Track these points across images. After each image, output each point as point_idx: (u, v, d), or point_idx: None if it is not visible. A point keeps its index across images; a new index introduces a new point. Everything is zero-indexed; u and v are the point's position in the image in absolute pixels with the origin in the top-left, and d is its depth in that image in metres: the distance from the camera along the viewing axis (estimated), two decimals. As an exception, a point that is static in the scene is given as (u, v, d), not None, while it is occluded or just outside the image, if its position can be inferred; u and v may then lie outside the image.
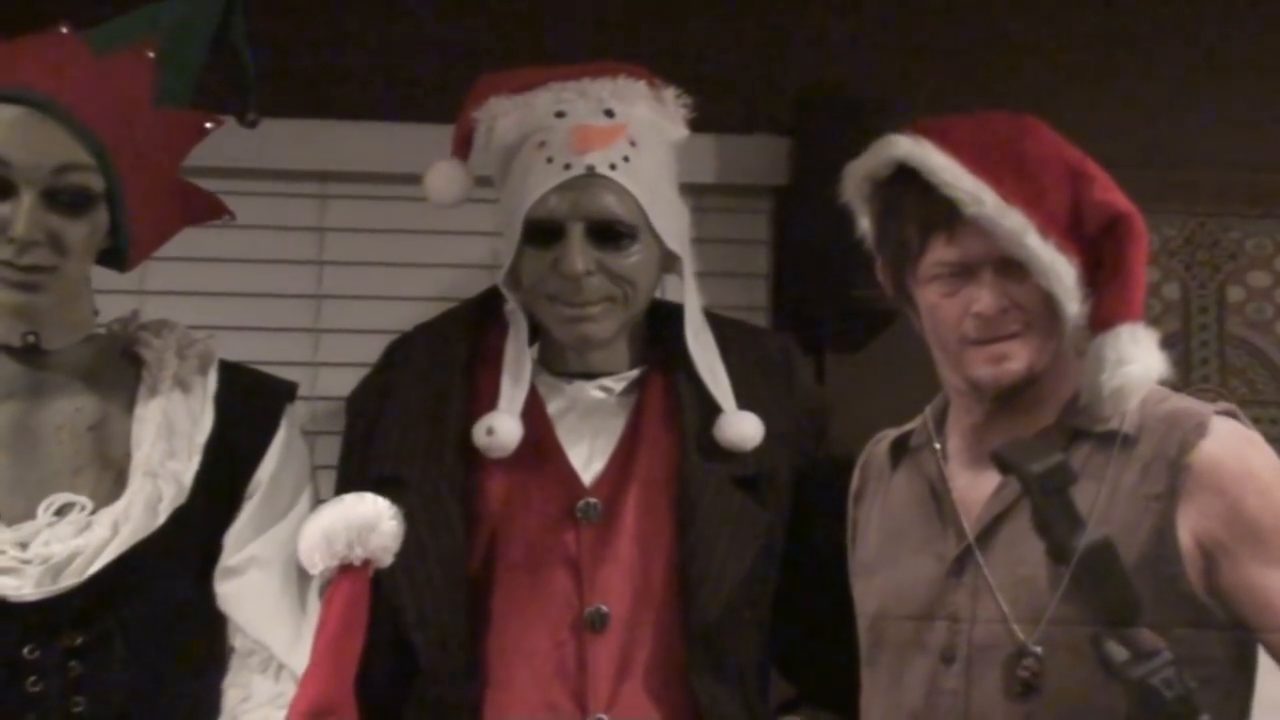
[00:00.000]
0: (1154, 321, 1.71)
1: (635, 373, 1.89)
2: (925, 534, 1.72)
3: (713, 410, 1.84)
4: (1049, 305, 1.64)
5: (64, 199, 1.60)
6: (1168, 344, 1.70)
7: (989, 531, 1.66)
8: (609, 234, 1.78)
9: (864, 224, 1.78)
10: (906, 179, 1.69)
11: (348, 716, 1.45)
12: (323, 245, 2.46)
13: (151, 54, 1.64)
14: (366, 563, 1.50)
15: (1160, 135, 2.53)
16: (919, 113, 1.78)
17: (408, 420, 1.83)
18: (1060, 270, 1.63)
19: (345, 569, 1.48)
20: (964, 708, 1.63)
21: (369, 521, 1.50)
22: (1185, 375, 2.49)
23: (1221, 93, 2.57)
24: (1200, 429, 1.61)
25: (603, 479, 1.83)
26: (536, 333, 1.89)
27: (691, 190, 2.12)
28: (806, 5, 2.50)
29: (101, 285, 1.77)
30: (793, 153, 2.44)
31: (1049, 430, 1.67)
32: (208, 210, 1.77)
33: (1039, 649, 1.59)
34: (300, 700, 1.46)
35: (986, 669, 1.62)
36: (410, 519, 1.70)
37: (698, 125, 1.91)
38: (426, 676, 1.78)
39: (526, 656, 1.77)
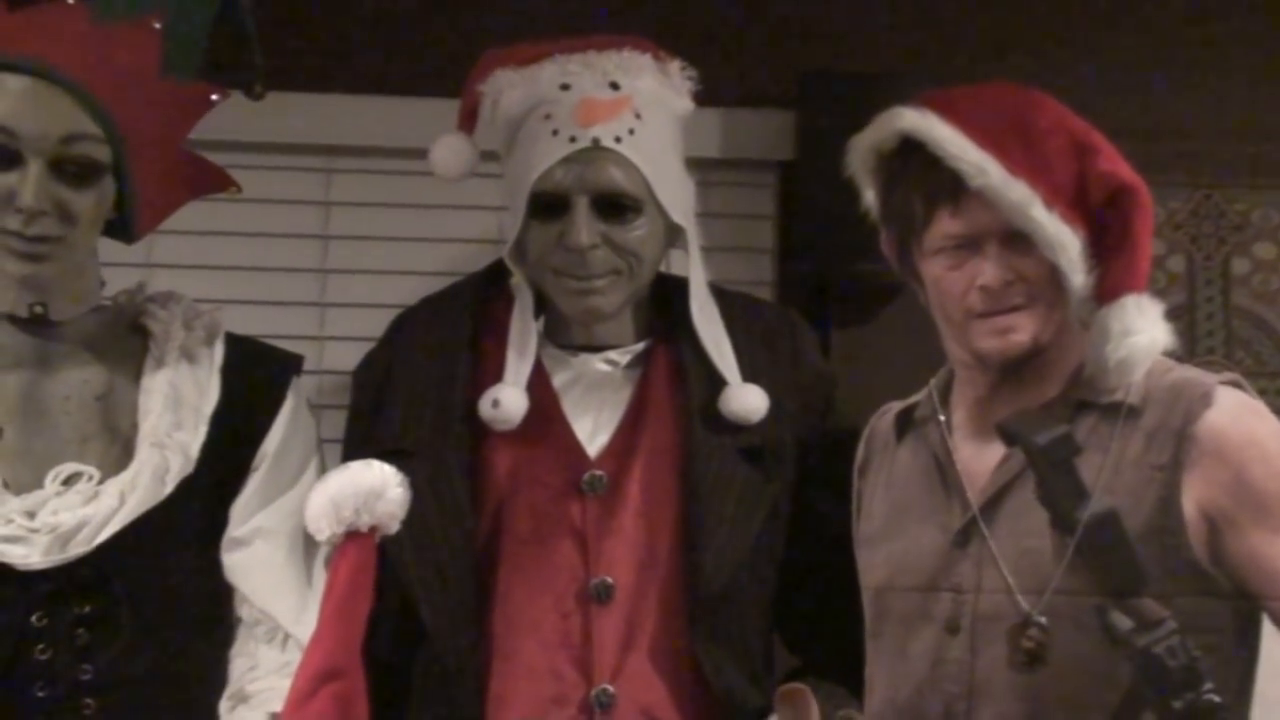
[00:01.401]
0: (1159, 294, 1.70)
1: (640, 346, 1.89)
2: (930, 506, 1.73)
3: (718, 383, 1.84)
4: (1054, 277, 1.64)
5: (71, 169, 1.60)
6: (1173, 316, 1.69)
7: (994, 503, 1.67)
8: (614, 207, 1.78)
9: (869, 197, 1.77)
10: (911, 151, 1.68)
11: (354, 680, 1.45)
12: (329, 219, 2.46)
13: (157, 24, 1.64)
14: (373, 529, 1.50)
15: (1166, 107, 2.52)
16: (924, 86, 1.78)
17: (413, 393, 1.83)
18: (1065, 242, 1.63)
19: (352, 535, 1.49)
20: (969, 678, 1.64)
21: (376, 488, 1.51)
22: (1191, 348, 2.48)
23: (1227, 64, 2.55)
24: (1205, 399, 1.61)
25: (608, 451, 1.83)
26: (542, 306, 1.89)
27: (697, 164, 2.12)
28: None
29: (109, 257, 1.77)
30: (798, 127, 2.43)
31: (1054, 402, 1.67)
32: (214, 182, 1.76)
33: (1044, 619, 1.59)
34: (307, 663, 1.47)
35: (991, 640, 1.63)
36: (416, 491, 1.70)
37: (703, 99, 1.91)
38: (433, 647, 1.79)
39: (532, 627, 1.78)
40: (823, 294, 2.44)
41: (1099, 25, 2.54)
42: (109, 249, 1.76)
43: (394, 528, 1.53)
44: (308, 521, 1.52)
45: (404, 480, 1.54)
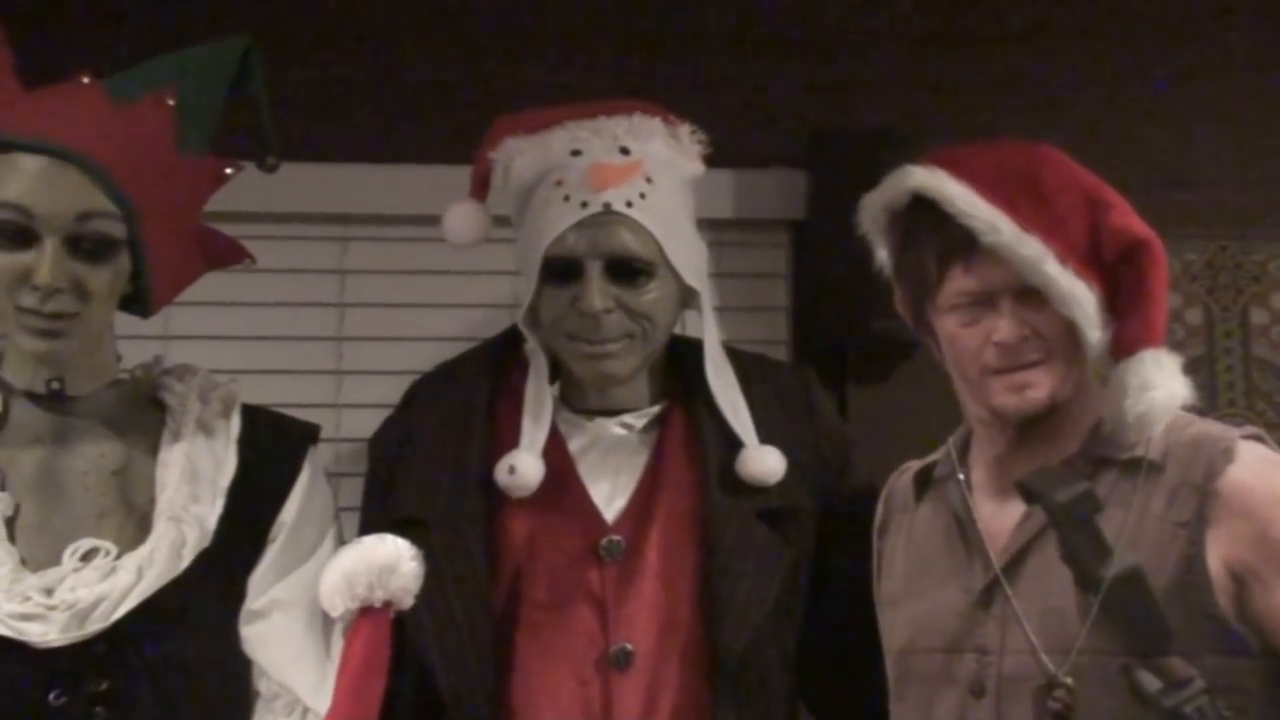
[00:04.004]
0: (1178, 347, 1.70)
1: (656, 409, 1.88)
2: (951, 566, 1.71)
3: (734, 445, 1.83)
4: (1070, 333, 1.64)
5: (86, 246, 1.61)
6: (1192, 369, 1.68)
7: (1016, 562, 1.65)
8: (627, 271, 1.78)
9: (882, 255, 1.78)
10: (923, 209, 1.69)
11: (370, 757, 1.44)
12: (344, 288, 2.47)
13: (171, 101, 1.65)
14: (387, 604, 1.49)
15: (1179, 159, 2.52)
16: (934, 144, 1.78)
17: (430, 460, 1.83)
18: (1080, 297, 1.63)
19: (366, 611, 1.48)
20: (995, 741, 1.61)
21: (389, 563, 1.50)
22: (1211, 400, 2.46)
23: (1242, 116, 2.56)
24: (1227, 454, 1.60)
25: (625, 516, 1.82)
26: (557, 371, 1.89)
27: (709, 225, 2.13)
28: (821, 40, 2.51)
29: (126, 331, 1.78)
30: (809, 186, 2.44)
31: (1074, 458, 1.66)
32: (229, 255, 1.77)
33: (1070, 680, 1.57)
34: (323, 744, 1.46)
35: (1017, 702, 1.60)
36: (433, 559, 1.70)
37: (715, 160, 1.91)
38: (451, 716, 1.77)
39: (551, 695, 1.77)
40: (838, 353, 2.44)
41: (1111, 79, 2.55)
42: (126, 323, 1.77)
43: (408, 602, 1.52)
44: (322, 599, 1.51)
45: (418, 554, 1.54)
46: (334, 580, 1.49)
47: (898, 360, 2.39)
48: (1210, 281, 2.56)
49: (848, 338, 2.41)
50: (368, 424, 2.00)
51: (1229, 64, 2.57)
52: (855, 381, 2.44)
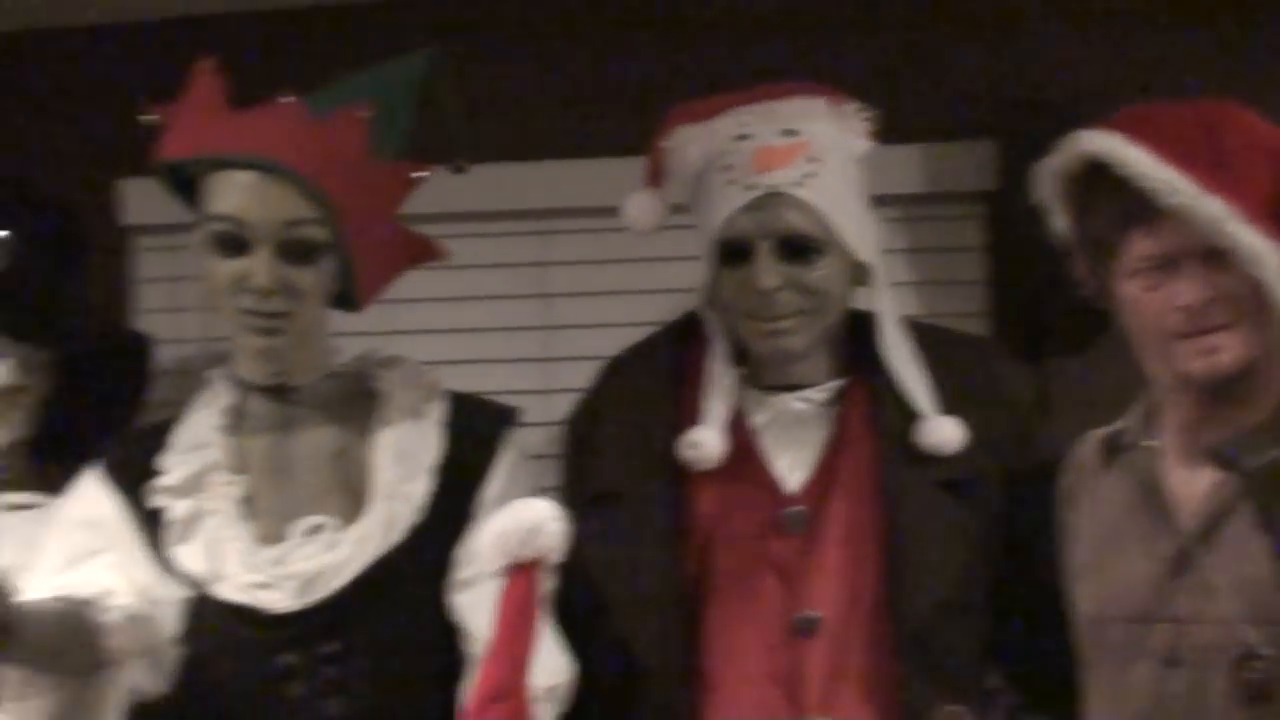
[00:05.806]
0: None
1: (837, 383, 1.91)
2: (1141, 534, 1.68)
3: (914, 416, 1.85)
4: (1259, 293, 1.59)
5: (295, 250, 1.77)
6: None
7: (1209, 529, 1.61)
8: (796, 249, 1.81)
9: (1061, 223, 1.76)
10: (1101, 174, 1.66)
11: (520, 701, 1.56)
12: (546, 279, 2.57)
13: (364, 114, 1.79)
14: (536, 561, 1.60)
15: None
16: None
17: (619, 438, 1.91)
18: (1267, 256, 1.57)
19: (519, 567, 1.60)
20: (1192, 713, 1.58)
21: (536, 524, 1.61)
22: None
23: None
24: None
25: (807, 488, 1.86)
26: (744, 351, 1.95)
27: (900, 201, 2.13)
28: (1010, 9, 2.47)
29: (349, 328, 1.93)
30: (1003, 156, 2.41)
31: (1267, 423, 1.60)
32: (425, 253, 1.91)
33: (1268, 650, 1.53)
34: (480, 686, 1.59)
35: (1213, 672, 1.57)
36: (623, 532, 1.80)
37: (903, 135, 1.92)
38: (644, 681, 1.84)
39: (739, 660, 1.82)
40: (1038, 324, 2.40)
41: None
42: (352, 320, 1.91)
43: (555, 559, 1.63)
44: (480, 555, 1.64)
45: (561, 514, 1.64)
46: (488, 539, 1.62)
47: (1100, 329, 2.32)
48: None
49: (1049, 307, 2.37)
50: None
51: None
52: (1057, 352, 2.39)
